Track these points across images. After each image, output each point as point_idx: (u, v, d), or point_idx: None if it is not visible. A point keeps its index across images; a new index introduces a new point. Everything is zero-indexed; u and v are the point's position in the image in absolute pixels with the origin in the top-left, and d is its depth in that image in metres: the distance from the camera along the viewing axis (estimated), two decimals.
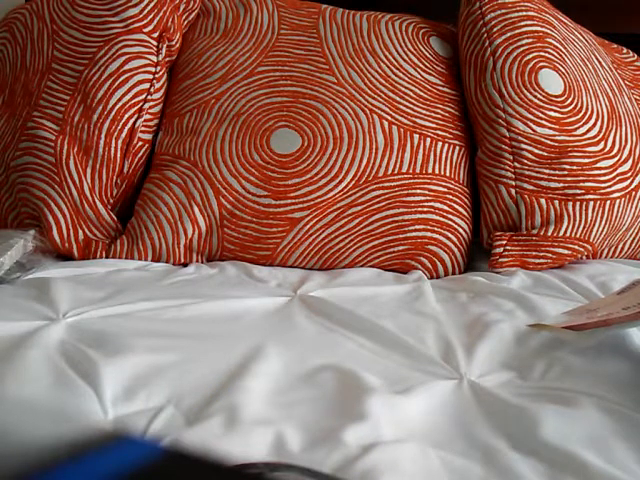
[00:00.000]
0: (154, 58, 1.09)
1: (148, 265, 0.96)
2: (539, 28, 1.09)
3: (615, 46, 1.27)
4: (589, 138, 1.04)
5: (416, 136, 1.04)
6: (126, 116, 1.04)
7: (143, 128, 1.06)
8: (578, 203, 1.01)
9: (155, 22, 1.10)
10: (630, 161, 1.06)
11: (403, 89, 1.07)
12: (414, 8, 1.21)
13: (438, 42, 1.15)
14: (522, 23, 1.08)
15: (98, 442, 0.26)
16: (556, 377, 0.61)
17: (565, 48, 1.10)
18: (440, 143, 1.05)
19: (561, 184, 1.01)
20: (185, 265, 0.99)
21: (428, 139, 1.04)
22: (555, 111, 1.04)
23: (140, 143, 1.06)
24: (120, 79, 1.05)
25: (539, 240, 1.00)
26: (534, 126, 1.03)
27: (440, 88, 1.10)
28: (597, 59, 1.15)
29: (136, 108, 1.06)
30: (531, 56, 1.06)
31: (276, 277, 0.91)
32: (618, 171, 1.04)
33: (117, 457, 0.25)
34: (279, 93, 1.05)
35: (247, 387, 0.56)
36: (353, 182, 1.00)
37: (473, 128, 1.10)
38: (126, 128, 1.04)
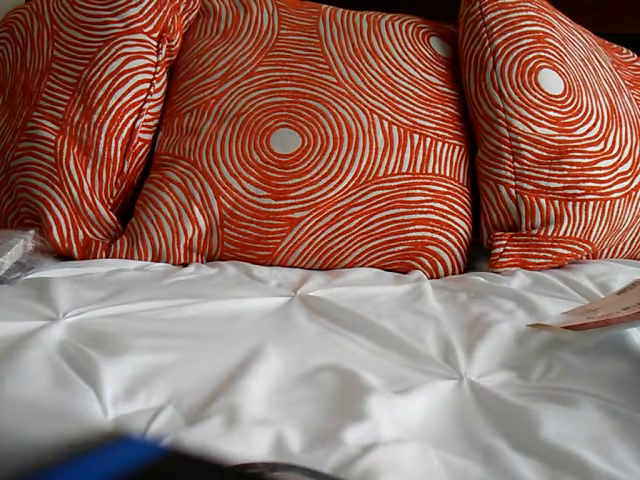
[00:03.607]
0: (154, 58, 1.09)
1: (148, 265, 0.96)
2: (539, 28, 1.09)
3: (615, 46, 1.27)
4: (589, 138, 1.04)
5: (416, 136, 1.04)
6: (126, 116, 1.04)
7: (143, 128, 1.06)
8: (578, 203, 1.01)
9: (155, 22, 1.10)
10: (630, 161, 1.06)
11: (403, 89, 1.07)
12: (414, 8, 1.21)
13: (438, 42, 1.15)
14: (522, 23, 1.09)
15: (98, 442, 0.26)
16: (556, 377, 0.61)
17: (565, 48, 1.10)
18: (440, 143, 1.05)
19: (561, 184, 1.01)
20: (185, 265, 0.99)
21: (428, 139, 1.04)
22: (555, 111, 1.04)
23: (140, 143, 1.06)
24: (120, 79, 1.05)
25: (539, 240, 1.00)
26: (534, 126, 1.03)
27: (440, 88, 1.10)
28: (597, 59, 1.15)
29: (136, 108, 1.06)
30: (531, 56, 1.06)
31: (276, 277, 0.91)
32: (618, 171, 1.04)
33: (117, 457, 0.25)
34: (279, 93, 1.05)
35: (247, 387, 0.56)
36: (353, 182, 1.00)
37: (473, 128, 1.10)
38: (126, 128, 1.04)
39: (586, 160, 1.02)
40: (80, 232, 0.99)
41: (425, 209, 1.00)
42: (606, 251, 1.09)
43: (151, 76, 1.08)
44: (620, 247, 1.11)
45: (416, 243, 0.99)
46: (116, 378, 0.56)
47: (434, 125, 1.06)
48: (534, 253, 1.00)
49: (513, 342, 0.69)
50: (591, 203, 1.02)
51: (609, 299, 0.76)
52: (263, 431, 0.50)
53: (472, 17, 1.11)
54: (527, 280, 0.92)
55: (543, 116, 1.03)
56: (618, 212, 1.04)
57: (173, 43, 1.12)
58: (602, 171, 1.03)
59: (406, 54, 1.10)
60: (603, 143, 1.05)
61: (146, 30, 1.09)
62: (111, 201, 1.04)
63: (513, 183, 1.03)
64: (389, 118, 1.04)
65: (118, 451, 0.25)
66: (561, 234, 1.01)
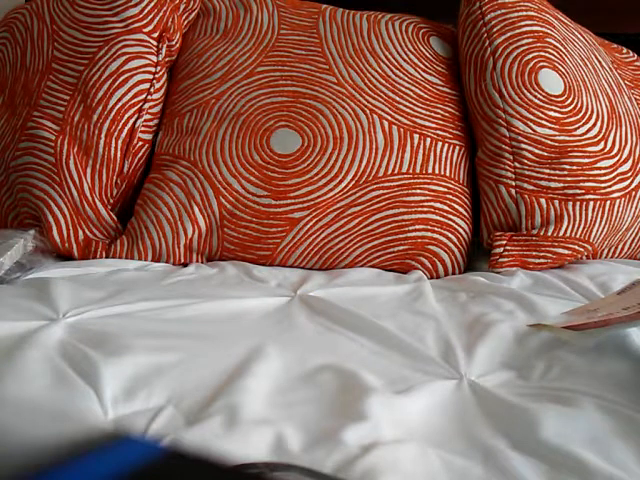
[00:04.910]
0: (154, 58, 1.09)
1: (148, 265, 0.96)
2: (539, 28, 1.09)
3: (615, 46, 1.27)
4: (589, 138, 1.04)
5: (416, 136, 1.04)
6: (126, 116, 1.04)
7: (143, 128, 1.06)
8: (578, 203, 1.01)
9: (155, 22, 1.10)
10: (630, 161, 1.06)
11: (403, 89, 1.07)
12: (414, 8, 1.21)
13: (438, 42, 1.15)
14: (522, 23, 1.09)
15: (98, 442, 0.26)
16: (556, 377, 0.61)
17: (565, 48, 1.10)
18: (440, 143, 1.05)
19: (561, 184, 1.01)
20: (185, 265, 0.99)
21: (428, 139, 1.04)
22: (555, 111, 1.04)
23: (140, 143, 1.06)
24: (120, 79, 1.05)
25: (539, 240, 1.00)
26: (534, 126, 1.03)
27: (440, 88, 1.10)
28: (597, 59, 1.15)
29: (136, 108, 1.06)
30: (531, 56, 1.06)
31: (276, 277, 0.91)
32: (618, 171, 1.04)
33: (117, 457, 0.25)
34: (279, 93, 1.05)
35: (247, 387, 0.56)
36: (353, 182, 1.00)
37: (473, 128, 1.10)
38: (126, 128, 1.04)
39: (586, 160, 1.02)
40: (80, 232, 0.99)
41: (425, 209, 1.00)
42: (606, 251, 1.09)
43: (151, 76, 1.08)
44: (620, 247, 1.11)
45: (416, 243, 0.99)
46: (116, 378, 0.56)
47: (434, 125, 1.06)
48: (534, 253, 1.00)
49: (513, 342, 0.69)
50: (591, 203, 1.02)
51: (609, 299, 0.76)
52: (263, 431, 0.50)
53: (472, 17, 1.11)
54: (527, 280, 0.92)
55: (543, 116, 1.03)
56: (618, 212, 1.04)
57: (173, 43, 1.12)
58: (602, 171, 1.03)
59: (406, 54, 1.10)
60: (603, 143, 1.05)
61: (146, 30, 1.08)
62: (111, 201, 1.04)
63: (513, 183, 1.03)
64: (389, 118, 1.04)
65: (118, 451, 0.25)
66: (561, 234, 1.01)
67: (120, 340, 0.64)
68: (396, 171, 1.01)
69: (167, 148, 1.05)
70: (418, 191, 1.01)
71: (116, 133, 1.03)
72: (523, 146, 1.03)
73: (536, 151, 1.02)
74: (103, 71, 1.04)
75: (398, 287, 0.88)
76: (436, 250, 1.00)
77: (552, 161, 1.02)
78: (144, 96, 1.07)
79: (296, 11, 1.16)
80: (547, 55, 1.07)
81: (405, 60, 1.10)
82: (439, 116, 1.07)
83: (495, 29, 1.08)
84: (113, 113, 1.04)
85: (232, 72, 1.07)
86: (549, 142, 1.03)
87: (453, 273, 1.01)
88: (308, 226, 0.99)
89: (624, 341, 0.67)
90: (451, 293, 0.87)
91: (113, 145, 1.03)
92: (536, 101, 1.04)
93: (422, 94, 1.08)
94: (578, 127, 1.04)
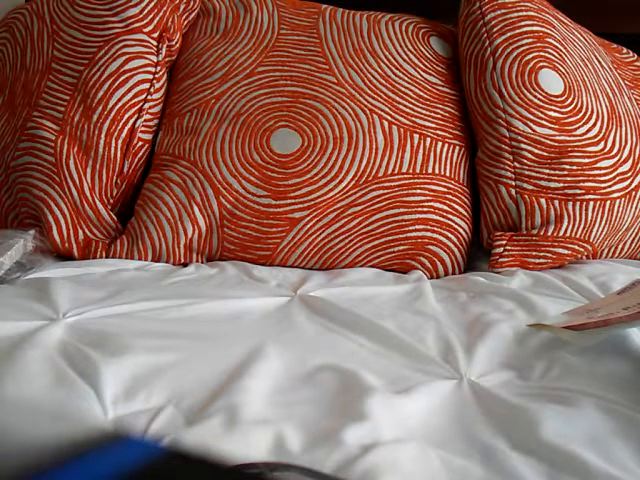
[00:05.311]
0: (154, 58, 1.09)
1: (148, 265, 0.96)
2: (539, 28, 1.09)
3: (615, 46, 1.27)
4: (589, 138, 1.04)
5: (416, 136, 1.04)
6: (126, 116, 1.04)
7: (143, 128, 1.06)
8: (578, 203, 1.01)
9: (155, 22, 1.10)
10: (630, 161, 1.06)
11: (403, 89, 1.07)
12: (414, 8, 1.21)
13: (438, 42, 1.15)
14: (522, 23, 1.09)
15: (98, 442, 0.26)
16: (556, 377, 0.61)
17: (565, 48, 1.10)
18: (440, 143, 1.05)
19: (561, 184, 1.02)
20: (185, 265, 0.99)
21: (428, 139, 1.04)
22: (555, 111, 1.04)
23: (140, 143, 1.06)
24: (120, 79, 1.05)
25: (539, 240, 1.00)
26: (534, 126, 1.03)
27: (440, 88, 1.10)
28: (597, 59, 1.15)
29: (136, 108, 1.06)
30: (531, 56, 1.06)
31: (276, 277, 0.91)
32: (618, 171, 1.04)
33: (117, 457, 0.25)
34: (279, 93, 1.05)
35: (247, 387, 0.56)
36: (353, 182, 1.00)
37: (473, 128, 1.10)
38: (126, 128, 1.04)
39: (586, 160, 1.02)
40: (80, 232, 0.99)
41: (425, 209, 1.00)
42: (606, 251, 1.09)
43: (151, 76, 1.08)
44: (620, 247, 1.11)
45: (416, 243, 0.99)
46: (116, 378, 0.56)
47: (434, 125, 1.06)
48: (534, 253, 1.00)
49: (513, 342, 0.69)
50: (591, 203, 1.02)
51: (609, 299, 0.76)
52: (263, 431, 0.50)
53: (472, 17, 1.11)
54: (527, 280, 0.92)
55: (543, 116, 1.03)
56: (618, 212, 1.04)
57: (173, 43, 1.12)
58: (602, 171, 1.03)
59: (406, 54, 1.10)
60: (603, 143, 1.05)
61: (146, 30, 1.08)
62: (111, 201, 1.04)
63: (513, 183, 1.03)
64: (389, 118, 1.04)
65: (118, 451, 0.25)
66: (561, 234, 1.01)
67: (120, 340, 0.64)
68: (396, 171, 1.01)
69: (167, 148, 1.05)
70: (418, 191, 1.01)
71: (116, 133, 1.03)
72: (523, 146, 1.03)
73: (536, 151, 1.02)
74: (103, 71, 1.04)
75: (398, 287, 0.88)
76: (436, 250, 1.00)
77: (552, 161, 1.02)
78: (144, 96, 1.07)
79: (296, 11, 1.16)
80: (547, 55, 1.07)
81: (405, 60, 1.10)
82: (439, 116, 1.07)
83: (495, 29, 1.08)
84: (113, 113, 1.04)
85: (232, 72, 1.07)
86: (549, 142, 1.03)
87: (453, 273, 1.01)
88: (308, 226, 0.99)
89: (624, 341, 0.67)
90: (451, 293, 0.87)
91: (113, 145, 1.03)
92: (536, 101, 1.04)
93: (422, 94, 1.08)
94: (578, 127, 1.04)
